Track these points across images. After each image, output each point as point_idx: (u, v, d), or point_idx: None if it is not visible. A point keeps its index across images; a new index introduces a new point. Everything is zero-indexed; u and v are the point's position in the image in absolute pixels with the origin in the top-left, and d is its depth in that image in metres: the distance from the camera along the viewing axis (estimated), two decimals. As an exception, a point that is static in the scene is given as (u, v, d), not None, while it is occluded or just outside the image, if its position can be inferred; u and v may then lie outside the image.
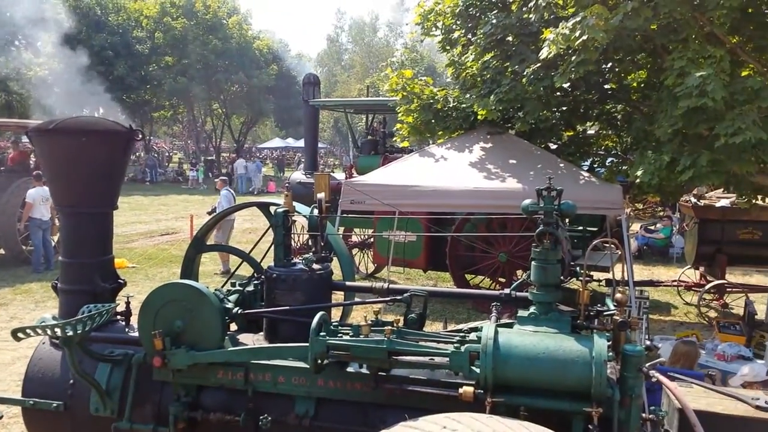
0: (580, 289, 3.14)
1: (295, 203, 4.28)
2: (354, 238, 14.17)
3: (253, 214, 16.24)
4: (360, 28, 70.93)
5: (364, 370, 3.29)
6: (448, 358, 2.99)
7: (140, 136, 4.25)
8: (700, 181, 7.52)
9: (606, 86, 9.69)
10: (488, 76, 9.33)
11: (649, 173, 7.44)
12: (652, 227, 17.11)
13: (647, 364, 3.00)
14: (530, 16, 8.27)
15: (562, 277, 3.23)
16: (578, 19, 6.84)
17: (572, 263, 3.47)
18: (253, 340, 3.95)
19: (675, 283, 11.93)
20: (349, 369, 3.37)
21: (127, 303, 4.28)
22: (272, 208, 4.21)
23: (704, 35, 7.19)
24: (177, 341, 3.55)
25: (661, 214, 18.98)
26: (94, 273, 4.15)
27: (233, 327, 4.10)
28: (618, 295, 3.07)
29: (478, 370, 2.89)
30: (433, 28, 10.73)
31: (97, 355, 3.80)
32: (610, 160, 10.79)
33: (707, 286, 11.07)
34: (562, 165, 9.33)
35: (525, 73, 8.53)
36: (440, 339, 3.23)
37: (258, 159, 47.71)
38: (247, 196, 28.88)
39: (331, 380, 3.39)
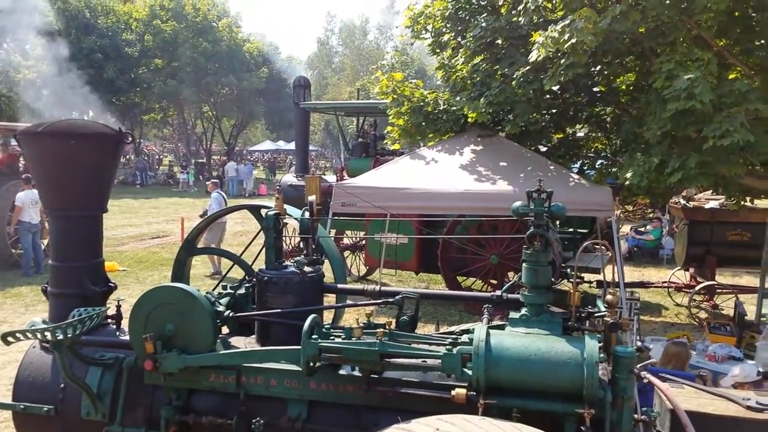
0: (571, 291, 3.15)
1: (286, 206, 4.28)
2: (346, 241, 14.16)
3: (245, 217, 16.24)
4: (350, 31, 70.91)
5: (356, 373, 3.30)
6: (440, 360, 3.00)
7: (129, 139, 4.23)
8: (689, 183, 7.57)
9: (595, 89, 9.74)
10: (478, 78, 9.35)
11: (638, 175, 7.48)
12: (642, 229, 17.18)
13: (638, 366, 3.01)
14: (519, 19, 8.30)
15: (553, 279, 3.24)
16: (567, 22, 6.87)
17: (563, 265, 3.48)
18: (245, 343, 3.95)
19: (665, 285, 11.98)
20: (342, 372, 3.37)
21: (118, 306, 4.27)
22: (263, 211, 4.21)
23: (692, 38, 7.24)
24: (168, 344, 3.54)
25: (651, 215, 19.05)
26: (84, 276, 4.13)
27: (225, 330, 4.09)
28: (608, 297, 3.08)
29: (470, 372, 2.90)
30: (423, 31, 10.76)
31: (87, 358, 3.79)
32: (599, 162, 10.83)
33: (697, 287, 11.12)
34: (552, 167, 9.36)
35: (514, 76, 8.57)
36: (432, 341, 3.24)
37: (249, 162, 47.64)
38: (238, 199, 28.84)
39: (324, 383, 3.39)
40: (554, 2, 8.05)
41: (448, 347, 3.03)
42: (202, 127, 51.44)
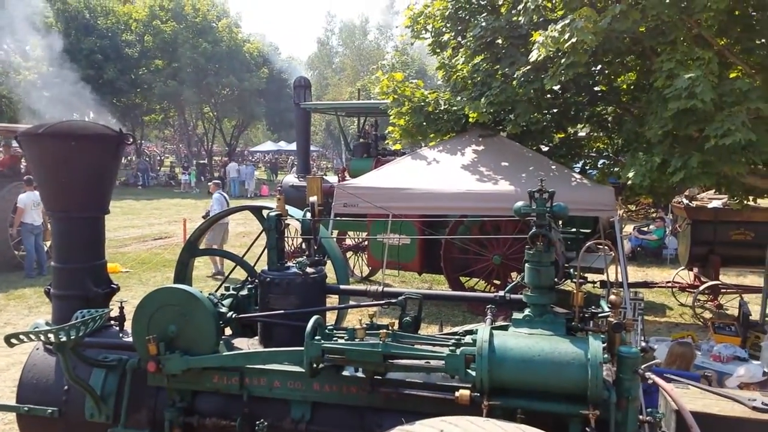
0: (575, 291, 3.14)
1: (287, 207, 4.28)
2: (348, 242, 14.16)
3: (247, 218, 16.24)
4: (350, 31, 70.91)
5: (359, 374, 3.29)
6: (443, 362, 2.99)
7: (130, 140, 4.23)
8: (691, 182, 7.57)
9: (596, 88, 9.74)
10: (478, 78, 9.35)
11: (640, 175, 7.48)
12: (645, 228, 17.16)
13: (643, 366, 3.01)
14: (519, 18, 8.30)
15: (556, 279, 3.24)
16: (567, 21, 6.87)
17: (566, 265, 3.48)
18: (247, 345, 3.94)
19: (669, 285, 11.96)
20: (345, 373, 3.37)
21: (121, 308, 4.26)
22: (265, 212, 4.20)
23: (692, 37, 7.23)
24: (171, 346, 3.54)
25: (654, 215, 19.04)
26: (86, 278, 4.13)
27: (228, 331, 4.09)
28: (612, 297, 3.07)
29: (473, 373, 2.89)
30: (423, 31, 10.76)
31: (91, 360, 3.78)
32: (601, 161, 10.82)
33: (701, 287, 11.09)
34: (553, 167, 9.36)
35: (515, 76, 8.57)
36: (436, 342, 3.23)
37: (251, 162, 47.63)
38: (240, 200, 28.86)
39: (327, 384, 3.39)
40: (554, 2, 8.05)
41: (451, 348, 3.02)
42: (203, 128, 51.46)
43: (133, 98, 43.16)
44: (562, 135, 10.98)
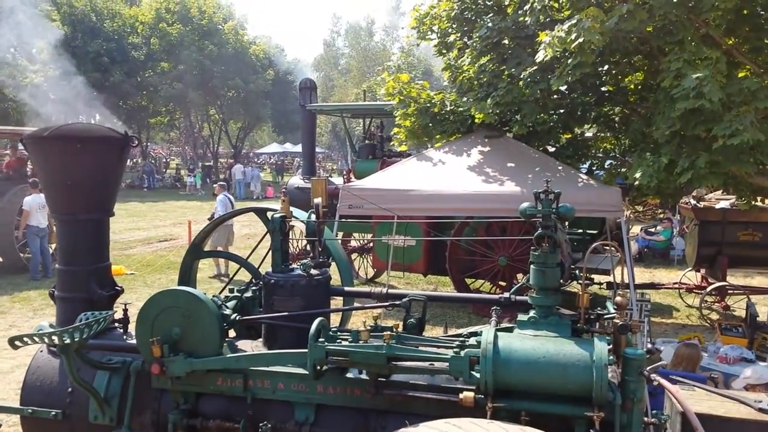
0: (580, 293, 3.12)
1: (292, 208, 4.27)
2: (353, 243, 14.15)
3: (252, 220, 16.24)
4: (356, 33, 70.96)
5: (363, 376, 3.28)
6: (448, 363, 2.98)
7: (135, 142, 4.24)
8: (698, 182, 7.52)
9: (603, 88, 9.69)
10: (485, 79, 9.33)
11: (647, 175, 7.44)
12: (653, 229, 17.09)
13: (648, 368, 2.98)
14: (526, 19, 8.27)
15: (561, 281, 3.22)
16: (574, 21, 6.83)
17: (573, 266, 3.46)
18: (251, 347, 3.94)
19: (676, 286, 11.91)
20: (349, 375, 3.36)
21: (125, 310, 4.27)
22: (269, 214, 4.20)
23: (700, 37, 7.19)
24: (175, 348, 3.54)
25: (661, 216, 18.96)
26: (90, 280, 4.14)
27: (232, 333, 4.08)
28: (618, 298, 3.05)
29: (478, 375, 2.88)
30: (429, 32, 10.74)
31: (95, 362, 3.79)
32: (608, 162, 10.78)
33: (708, 288, 11.03)
34: (560, 168, 9.33)
35: (521, 76, 8.54)
36: (440, 344, 3.22)
37: (256, 165, 47.70)
38: (246, 202, 28.90)
39: (331, 386, 3.38)
40: (561, 2, 8.01)
41: (455, 350, 3.01)
42: (209, 130, 51.56)
43: (139, 100, 43.33)
44: (569, 135, 10.94)
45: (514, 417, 2.83)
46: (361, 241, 14.15)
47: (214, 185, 16.95)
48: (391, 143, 13.61)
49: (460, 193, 8.88)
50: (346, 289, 4.50)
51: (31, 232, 13.25)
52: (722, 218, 11.04)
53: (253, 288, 4.34)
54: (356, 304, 4.72)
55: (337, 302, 4.86)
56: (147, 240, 19.18)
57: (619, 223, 9.07)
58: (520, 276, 10.21)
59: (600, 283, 11.08)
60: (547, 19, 8.20)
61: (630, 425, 2.85)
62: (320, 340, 3.17)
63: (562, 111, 10.06)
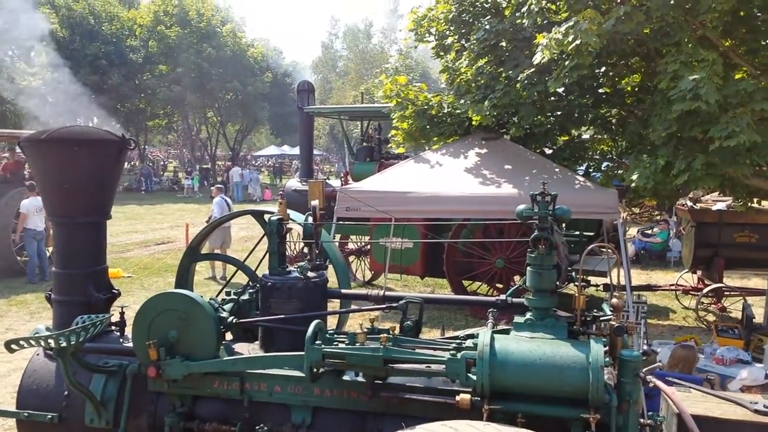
0: (577, 295, 3.12)
1: (289, 211, 4.27)
2: (350, 246, 14.15)
3: (250, 222, 16.23)
4: (354, 35, 70.98)
5: (360, 379, 3.27)
6: (444, 366, 2.98)
7: (132, 145, 4.23)
8: (695, 184, 7.53)
9: (600, 90, 9.71)
10: (482, 81, 9.33)
11: (644, 177, 7.45)
12: (649, 231, 17.11)
13: (644, 369, 2.99)
14: (523, 21, 8.28)
15: (558, 283, 3.22)
16: (571, 23, 6.84)
17: (569, 268, 3.46)
18: (248, 350, 3.93)
19: (673, 288, 11.92)
20: (346, 377, 3.35)
21: (122, 313, 4.26)
22: (266, 216, 4.20)
23: (697, 39, 7.20)
24: (172, 351, 3.53)
25: (658, 218, 18.99)
26: (87, 283, 4.13)
27: (228, 336, 4.08)
28: (614, 300, 3.06)
29: (474, 377, 2.88)
30: (427, 34, 10.74)
31: (91, 366, 3.77)
32: (605, 164, 10.79)
33: (705, 290, 11.05)
34: (557, 170, 9.34)
35: (519, 79, 8.55)
36: (436, 346, 3.22)
37: (254, 167, 47.68)
38: (244, 204, 28.88)
39: (328, 389, 3.37)
40: (558, 4, 8.03)
41: (452, 352, 3.01)
42: (207, 133, 51.57)
43: (137, 103, 43.33)
44: (566, 137, 10.96)
45: (510, 419, 2.83)
46: (359, 244, 14.15)
47: (212, 188, 16.95)
48: (389, 145, 13.62)
49: (457, 195, 8.88)
50: (343, 291, 4.49)
51: (29, 235, 13.24)
52: (719, 220, 11.07)
53: (250, 291, 4.33)
54: (353, 307, 4.72)
55: (334, 305, 4.86)
56: (144, 243, 19.17)
57: (615, 225, 9.09)
58: (517, 278, 10.22)
59: (597, 285, 11.09)
60: (544, 22, 8.22)
61: (626, 427, 2.85)
62: (317, 342, 3.17)
63: (559, 113, 10.07)
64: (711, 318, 11.00)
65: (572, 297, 3.16)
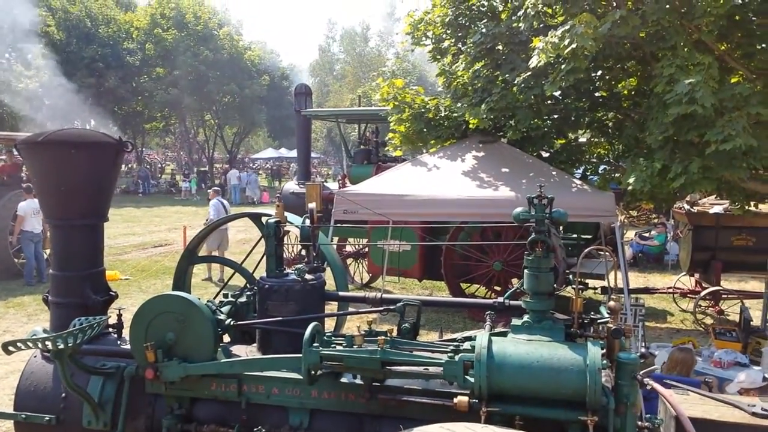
0: (574, 297, 3.13)
1: (286, 214, 4.27)
2: (348, 248, 14.14)
3: (247, 225, 16.23)
4: (351, 38, 70.95)
5: (358, 381, 3.28)
6: (442, 368, 2.98)
7: (129, 147, 4.23)
8: (691, 187, 7.55)
9: (596, 94, 9.74)
10: (479, 84, 9.36)
11: (640, 180, 7.46)
12: (647, 234, 17.13)
13: (642, 372, 2.99)
14: (519, 25, 8.30)
15: (555, 285, 3.22)
16: (567, 27, 6.86)
17: (567, 271, 3.47)
18: (246, 352, 3.93)
19: (670, 290, 11.94)
20: (343, 380, 3.36)
21: (119, 315, 4.26)
22: (264, 219, 4.20)
23: (692, 43, 7.23)
24: (169, 353, 3.53)
25: (655, 221, 19.01)
26: (84, 285, 4.12)
27: (226, 338, 4.08)
28: (611, 303, 3.06)
29: (472, 380, 2.88)
30: (424, 38, 10.76)
31: (88, 368, 3.77)
32: (602, 167, 10.82)
33: (703, 293, 11.06)
34: (554, 173, 9.36)
35: (515, 82, 8.57)
36: (434, 348, 3.22)
37: (252, 170, 47.66)
38: (242, 207, 28.84)
39: (325, 391, 3.37)
40: (554, 8, 8.05)
41: (449, 355, 3.01)
42: (204, 136, 51.55)
43: (134, 106, 43.28)
44: (563, 141, 10.98)
45: (508, 421, 2.83)
46: (357, 246, 14.15)
47: (209, 190, 16.96)
48: (386, 148, 13.63)
49: (454, 198, 8.89)
50: (341, 294, 4.49)
51: (26, 237, 13.22)
52: (716, 223, 11.09)
53: (248, 293, 4.33)
54: (351, 309, 4.72)
55: (331, 307, 4.86)
56: (142, 245, 19.14)
57: (613, 228, 9.10)
58: (515, 281, 10.23)
59: (594, 288, 11.10)
60: (541, 25, 8.25)
61: (624, 429, 2.85)
62: (315, 345, 3.17)
63: (555, 116, 10.09)
64: (709, 321, 11.01)
65: (570, 300, 3.17)
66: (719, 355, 7.35)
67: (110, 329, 4.23)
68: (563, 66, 7.37)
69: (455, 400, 2.92)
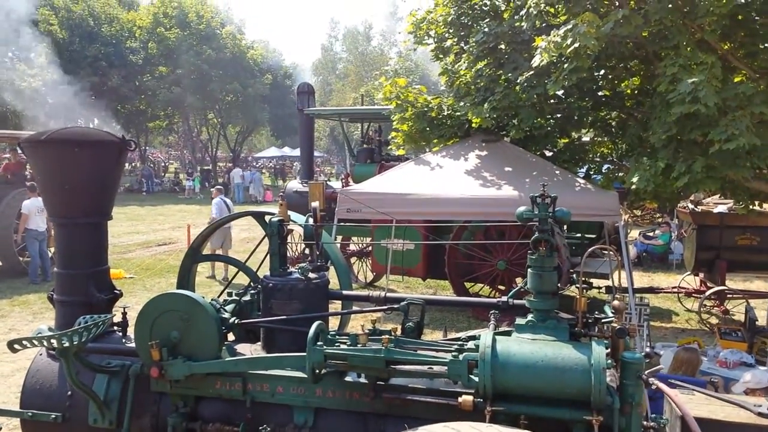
0: (578, 296, 3.13)
1: (290, 212, 4.28)
2: (352, 247, 14.15)
3: (251, 224, 16.26)
4: (354, 37, 70.88)
5: (362, 380, 3.28)
6: (446, 367, 2.98)
7: (132, 146, 4.24)
8: (695, 187, 7.53)
9: (599, 93, 9.72)
10: (481, 84, 9.34)
11: (644, 180, 7.45)
12: (651, 234, 17.09)
13: (647, 372, 2.99)
14: (522, 24, 8.29)
15: (559, 284, 3.22)
16: (570, 26, 6.85)
17: (571, 270, 3.47)
18: (250, 350, 3.94)
19: (675, 290, 11.91)
20: (348, 378, 3.36)
21: (124, 313, 4.27)
22: (267, 218, 4.21)
23: (695, 42, 7.21)
24: (174, 352, 3.54)
25: (660, 220, 18.97)
26: (89, 284, 4.13)
27: (231, 337, 4.09)
28: (615, 302, 3.06)
29: (476, 379, 2.88)
30: (426, 37, 10.76)
31: (94, 366, 3.78)
32: (605, 166, 10.80)
33: (708, 293, 11.03)
34: (557, 172, 9.34)
35: (518, 81, 8.55)
36: (438, 348, 3.22)
37: (255, 168, 47.69)
38: (246, 206, 28.88)
39: (330, 390, 3.38)
40: (557, 7, 8.03)
41: (454, 354, 3.01)
42: (208, 134, 51.59)
43: (138, 105, 43.35)
44: (566, 140, 10.96)
45: (512, 421, 2.83)
46: (360, 245, 14.16)
47: (212, 189, 16.99)
48: (389, 147, 13.62)
49: (458, 197, 8.89)
50: (345, 292, 4.50)
51: (30, 235, 13.26)
52: (720, 222, 11.06)
53: (252, 292, 4.34)
54: (355, 308, 4.72)
55: (335, 306, 4.87)
56: (146, 243, 19.18)
57: (617, 227, 9.08)
58: (519, 280, 10.22)
59: (599, 287, 11.09)
60: (543, 24, 8.23)
61: (629, 429, 2.85)
62: (319, 343, 3.17)
63: (558, 115, 10.08)
64: (714, 321, 10.99)
65: (574, 299, 3.17)
66: (725, 355, 7.34)
67: (115, 327, 4.24)
68: (566, 65, 7.36)
69: (460, 399, 2.92)
